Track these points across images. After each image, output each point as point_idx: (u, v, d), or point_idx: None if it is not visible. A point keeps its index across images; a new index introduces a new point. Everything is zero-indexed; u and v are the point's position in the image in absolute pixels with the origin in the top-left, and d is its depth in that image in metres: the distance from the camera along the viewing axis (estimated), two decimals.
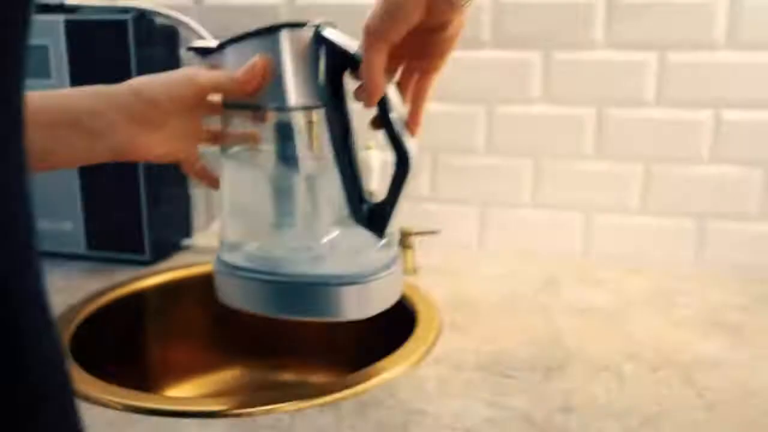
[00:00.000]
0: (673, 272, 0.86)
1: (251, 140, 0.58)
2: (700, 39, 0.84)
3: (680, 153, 0.88)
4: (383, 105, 0.51)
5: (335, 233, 0.57)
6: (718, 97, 0.85)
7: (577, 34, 0.87)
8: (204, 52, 0.57)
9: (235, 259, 0.57)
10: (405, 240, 0.87)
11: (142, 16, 0.85)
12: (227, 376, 0.86)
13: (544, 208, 0.94)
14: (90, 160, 0.51)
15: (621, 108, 0.88)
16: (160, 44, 0.92)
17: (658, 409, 0.56)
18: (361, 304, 0.55)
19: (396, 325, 0.74)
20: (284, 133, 0.55)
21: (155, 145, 0.52)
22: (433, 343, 0.68)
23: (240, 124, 0.59)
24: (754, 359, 0.65)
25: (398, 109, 0.52)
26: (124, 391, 0.58)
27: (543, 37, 0.88)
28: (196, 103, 0.54)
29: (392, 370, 0.61)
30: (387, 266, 0.56)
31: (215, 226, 1.01)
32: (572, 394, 0.58)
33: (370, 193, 0.56)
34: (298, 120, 0.55)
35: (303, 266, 0.55)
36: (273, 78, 0.53)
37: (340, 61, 0.52)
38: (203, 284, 0.83)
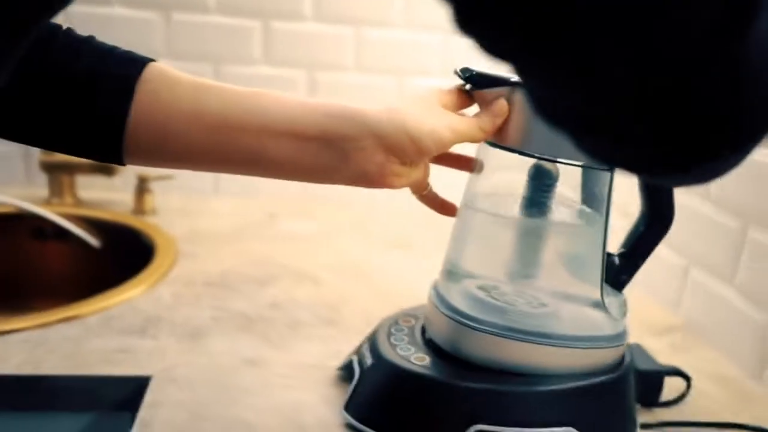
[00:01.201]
0: (373, 209, 1.09)
1: (465, 167, 0.56)
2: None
3: None
4: None
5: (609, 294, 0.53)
6: None
7: None
8: (483, 83, 0.50)
9: (459, 298, 0.54)
10: (143, 184, 0.97)
11: None
12: None
13: None
14: (329, 179, 0.49)
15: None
16: None
17: (340, 300, 0.77)
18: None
19: (136, 258, 0.85)
20: (540, 180, 0.52)
21: (401, 177, 0.49)
22: (170, 269, 0.81)
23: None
24: (417, 268, 0.90)
25: None
26: None
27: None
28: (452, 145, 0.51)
29: (133, 290, 0.74)
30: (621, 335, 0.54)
31: None
32: (279, 296, 0.77)
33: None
34: (558, 168, 0.52)
35: (540, 322, 0.52)
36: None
37: None
38: None
